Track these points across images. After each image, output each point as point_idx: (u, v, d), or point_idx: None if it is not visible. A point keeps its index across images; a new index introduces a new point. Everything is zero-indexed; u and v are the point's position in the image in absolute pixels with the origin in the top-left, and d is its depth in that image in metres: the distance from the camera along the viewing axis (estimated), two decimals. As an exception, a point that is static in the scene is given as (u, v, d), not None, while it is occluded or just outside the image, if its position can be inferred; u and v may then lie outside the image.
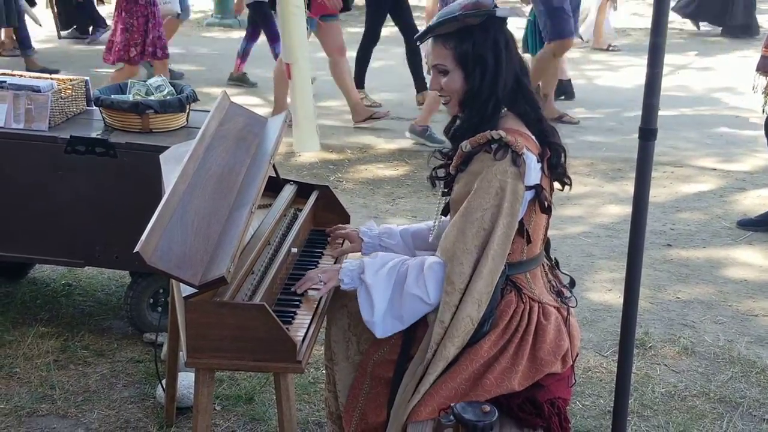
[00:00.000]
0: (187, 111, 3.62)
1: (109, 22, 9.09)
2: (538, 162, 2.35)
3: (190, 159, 2.48)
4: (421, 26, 7.12)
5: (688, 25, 12.24)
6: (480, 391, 2.28)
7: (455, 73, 2.38)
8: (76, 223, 3.48)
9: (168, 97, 3.59)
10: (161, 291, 3.64)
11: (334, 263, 2.71)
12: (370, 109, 7.18)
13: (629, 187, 5.38)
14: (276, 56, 7.33)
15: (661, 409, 3.35)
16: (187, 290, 2.17)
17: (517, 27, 5.52)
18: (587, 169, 6.24)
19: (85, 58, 9.30)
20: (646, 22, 10.00)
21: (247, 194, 2.45)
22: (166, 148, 3.04)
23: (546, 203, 2.37)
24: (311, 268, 2.56)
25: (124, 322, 3.81)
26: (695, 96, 8.53)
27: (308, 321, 2.35)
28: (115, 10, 6.51)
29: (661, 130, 2.59)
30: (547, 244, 2.52)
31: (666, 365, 3.67)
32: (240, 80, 8.40)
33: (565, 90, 8.12)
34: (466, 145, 2.33)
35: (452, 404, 2.12)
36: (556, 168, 2.43)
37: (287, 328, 2.22)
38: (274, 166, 2.81)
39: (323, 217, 2.95)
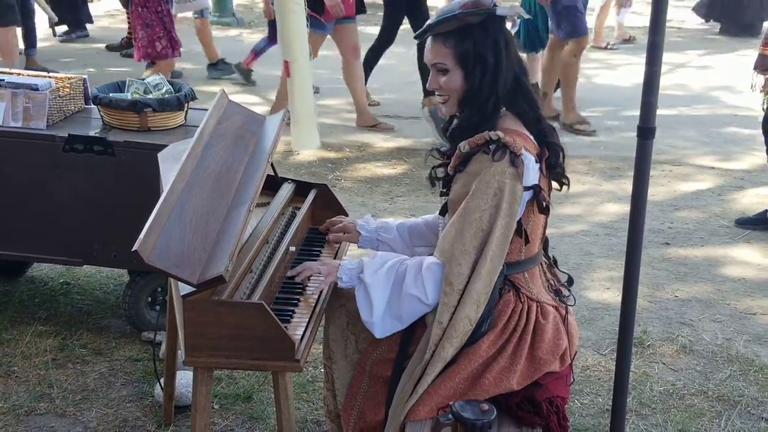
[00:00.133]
0: (186, 109, 3.62)
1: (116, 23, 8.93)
2: (536, 162, 2.34)
3: (188, 157, 2.48)
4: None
5: (687, 23, 12.23)
6: (478, 390, 2.28)
7: (455, 72, 2.37)
8: (74, 222, 3.48)
9: (166, 96, 3.59)
10: (159, 289, 3.63)
11: (334, 258, 2.72)
12: (376, 119, 7.09)
13: (627, 186, 5.39)
14: None
15: (660, 408, 3.35)
16: (186, 289, 2.17)
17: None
18: (585, 168, 6.24)
19: (86, 57, 9.27)
20: (645, 21, 9.98)
21: (245, 192, 2.45)
22: (165, 146, 3.03)
23: (544, 203, 2.37)
24: (310, 267, 2.56)
25: (122, 321, 3.80)
26: (694, 94, 8.52)
27: (306, 320, 2.34)
28: (132, 11, 6.40)
29: (659, 129, 2.58)
30: (545, 242, 2.51)
31: (664, 364, 3.67)
32: (244, 75, 8.28)
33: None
34: (464, 146, 2.33)
35: (451, 403, 2.12)
36: (554, 168, 2.43)
37: (285, 327, 2.22)
38: (272, 165, 2.81)
39: (321, 215, 2.94)
